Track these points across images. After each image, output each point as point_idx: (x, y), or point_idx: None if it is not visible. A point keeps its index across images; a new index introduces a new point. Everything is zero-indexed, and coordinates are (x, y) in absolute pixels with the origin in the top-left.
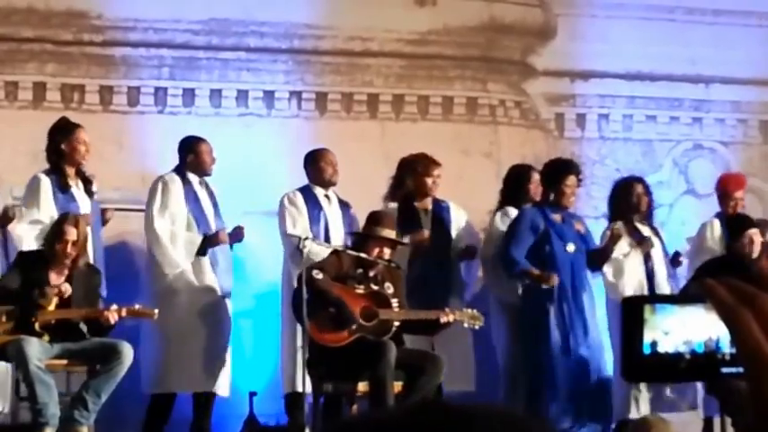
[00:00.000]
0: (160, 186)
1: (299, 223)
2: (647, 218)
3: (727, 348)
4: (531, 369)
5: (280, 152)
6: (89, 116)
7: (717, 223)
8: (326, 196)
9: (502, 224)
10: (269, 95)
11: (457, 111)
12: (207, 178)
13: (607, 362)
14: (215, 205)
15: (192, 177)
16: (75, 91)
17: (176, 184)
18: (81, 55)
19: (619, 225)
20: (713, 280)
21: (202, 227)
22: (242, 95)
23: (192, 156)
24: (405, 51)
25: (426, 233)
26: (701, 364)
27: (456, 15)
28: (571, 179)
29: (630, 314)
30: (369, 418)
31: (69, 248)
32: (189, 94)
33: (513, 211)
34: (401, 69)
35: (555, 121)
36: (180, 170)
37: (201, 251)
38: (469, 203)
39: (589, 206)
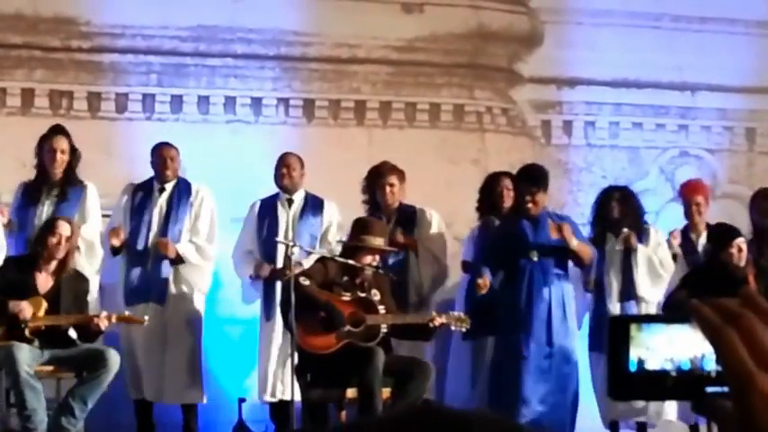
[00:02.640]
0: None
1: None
2: (633, 225)
3: (711, 366)
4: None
5: (267, 159)
6: (77, 122)
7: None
8: (289, 200)
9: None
10: (256, 102)
11: (444, 118)
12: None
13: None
14: None
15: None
16: (64, 97)
17: None
18: (69, 61)
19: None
20: (698, 300)
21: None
22: (229, 102)
23: None
24: (392, 58)
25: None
26: (687, 382)
27: (443, 22)
28: (529, 189)
29: (616, 332)
30: (362, 424)
31: (63, 242)
32: (177, 101)
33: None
34: (388, 76)
35: (542, 128)
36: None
37: None
38: (456, 210)
39: (576, 213)
